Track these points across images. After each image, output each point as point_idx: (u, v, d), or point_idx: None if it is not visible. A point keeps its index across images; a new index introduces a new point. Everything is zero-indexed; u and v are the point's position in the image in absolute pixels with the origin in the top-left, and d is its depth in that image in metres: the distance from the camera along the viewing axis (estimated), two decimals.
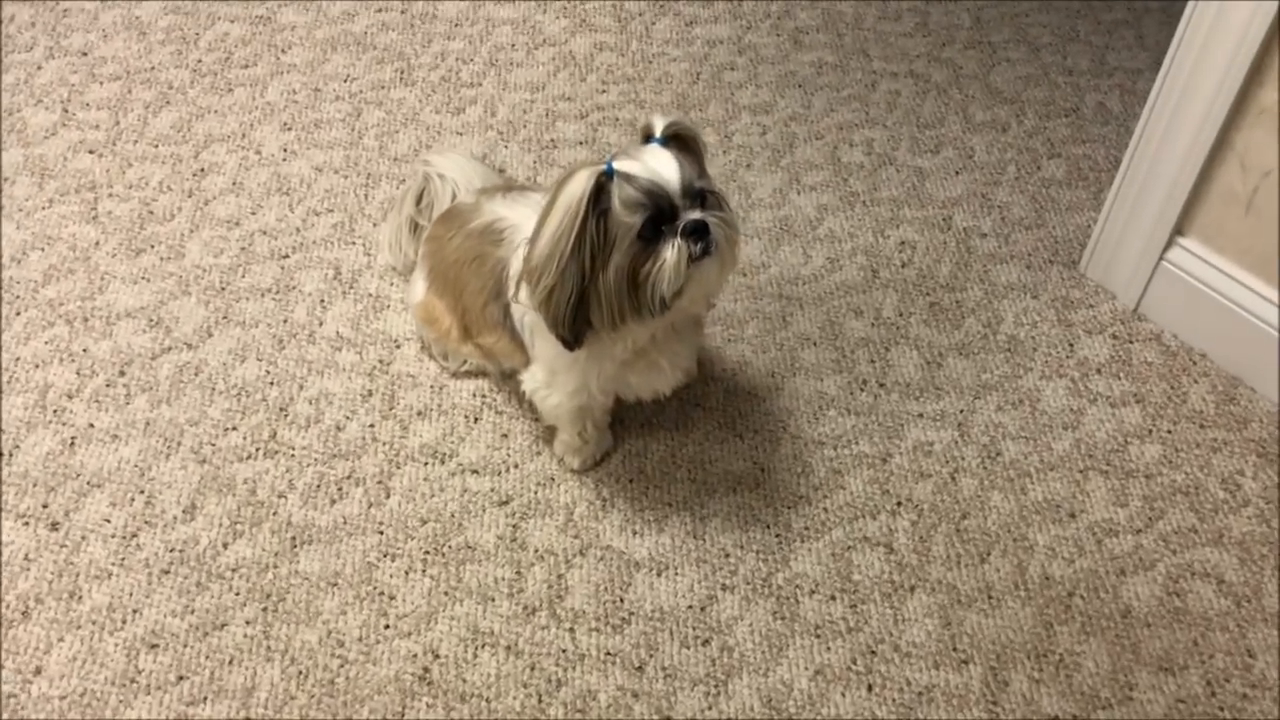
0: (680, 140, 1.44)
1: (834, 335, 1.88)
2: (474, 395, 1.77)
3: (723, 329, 1.87)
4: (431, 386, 1.78)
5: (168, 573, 1.55)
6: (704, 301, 1.49)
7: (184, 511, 1.62)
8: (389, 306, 1.89)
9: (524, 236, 1.49)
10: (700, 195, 1.41)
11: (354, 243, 1.98)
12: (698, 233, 1.38)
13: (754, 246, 2.01)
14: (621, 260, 1.38)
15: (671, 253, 1.37)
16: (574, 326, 1.42)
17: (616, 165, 1.39)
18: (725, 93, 2.29)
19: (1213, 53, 1.66)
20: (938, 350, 1.86)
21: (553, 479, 1.67)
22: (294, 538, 1.59)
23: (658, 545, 1.60)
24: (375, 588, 1.55)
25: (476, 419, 1.74)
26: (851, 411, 1.77)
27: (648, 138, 1.46)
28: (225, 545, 1.58)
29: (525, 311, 1.53)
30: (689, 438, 1.73)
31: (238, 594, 1.54)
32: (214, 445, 1.69)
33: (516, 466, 1.69)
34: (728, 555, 1.60)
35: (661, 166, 1.39)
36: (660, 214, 1.37)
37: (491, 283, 1.61)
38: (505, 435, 1.72)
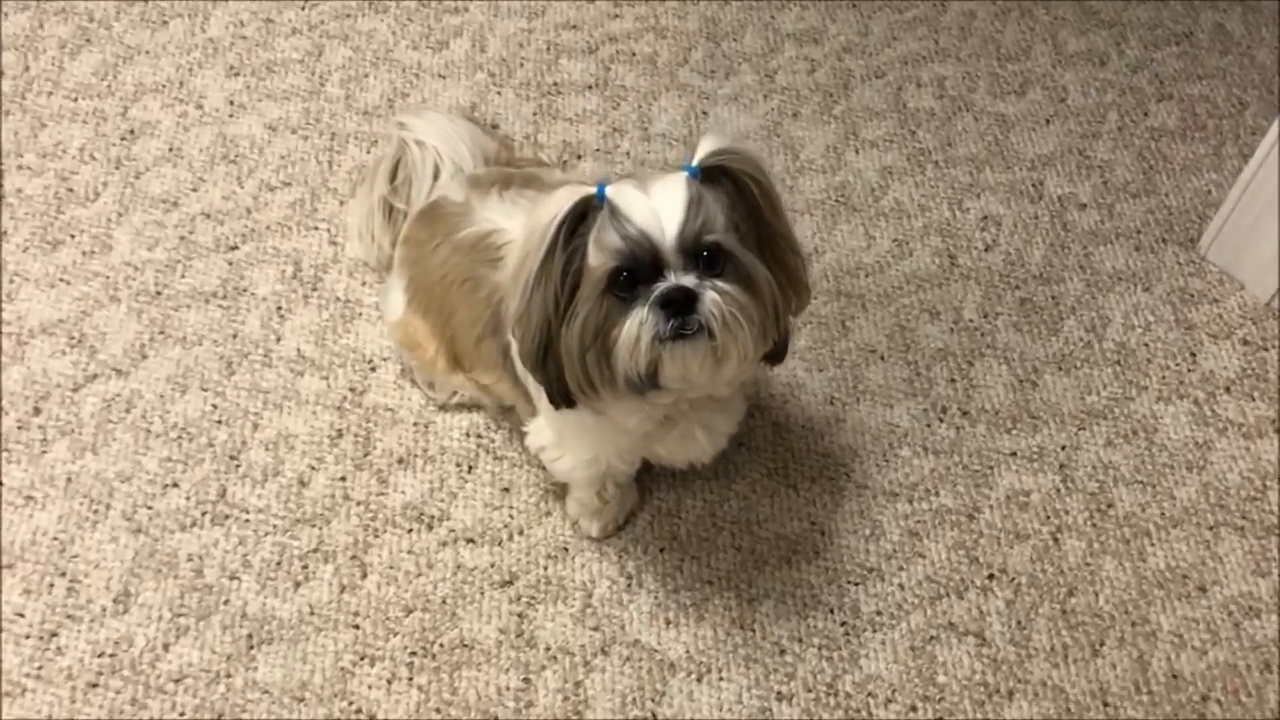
0: (730, 176, 1.08)
1: (905, 345, 1.54)
2: (467, 435, 1.45)
3: None
4: (415, 424, 1.45)
5: (96, 686, 1.26)
6: (714, 385, 1.14)
7: (115, 601, 1.31)
8: (360, 314, 1.55)
9: None
10: (709, 255, 1.06)
11: (316, 227, 1.62)
12: (675, 304, 1.04)
13: (805, 226, 1.65)
14: (587, 314, 1.06)
15: (631, 323, 1.04)
16: (546, 374, 1.12)
17: (610, 191, 1.05)
18: (764, 16, 1.89)
19: None
20: (1032, 364, 1.53)
21: (566, 549, 1.37)
22: (250, 635, 1.30)
23: (697, 639, 1.31)
24: (351, 703, 1.26)
25: (471, 467, 1.42)
26: (929, 450, 1.45)
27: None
28: (166, 646, 1.29)
29: None
30: (731, 490, 1.42)
31: (182, 714, 1.25)
32: (150, 508, 1.38)
33: (521, 533, 1.38)
34: (783, 652, 1.30)
35: (663, 205, 1.05)
36: (638, 268, 1.05)
37: (488, 314, 1.28)
38: (506, 489, 1.41)
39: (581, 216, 1.06)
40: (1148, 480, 1.44)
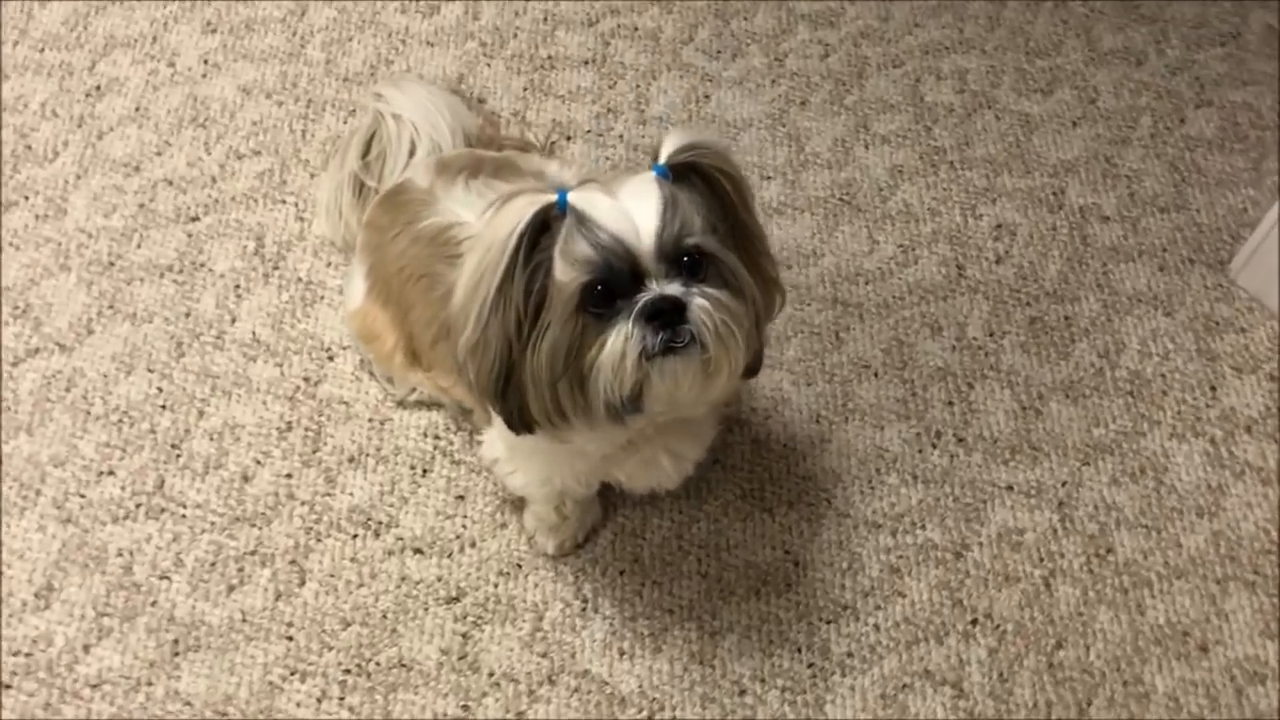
0: (701, 174, 0.98)
1: (902, 362, 1.43)
2: (424, 434, 1.36)
3: None
4: (370, 420, 1.36)
5: (9, 688, 1.19)
6: (697, 404, 1.05)
7: (36, 595, 1.24)
8: (323, 298, 1.45)
9: None
10: (691, 260, 0.96)
11: (284, 200, 1.53)
12: (662, 316, 0.94)
13: (804, 225, 1.54)
14: (559, 336, 0.96)
15: (615, 339, 0.94)
16: (506, 403, 1.01)
17: (573, 198, 0.96)
18: None
19: None
20: (1037, 389, 1.42)
21: (519, 566, 1.28)
22: (177, 641, 1.22)
23: (651, 673, 1.22)
24: None
25: (425, 471, 1.33)
26: (919, 479, 1.35)
27: (656, 160, 0.99)
28: (87, 648, 1.21)
29: None
30: (702, 510, 1.32)
31: None
32: (83, 497, 1.30)
33: (473, 545, 1.29)
34: (743, 692, 1.21)
35: (637, 208, 0.95)
36: (614, 280, 0.94)
37: (444, 315, 1.18)
38: (461, 497, 1.32)
39: (542, 228, 0.96)
40: (1153, 525, 1.33)
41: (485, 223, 0.99)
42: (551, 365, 0.96)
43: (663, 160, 0.99)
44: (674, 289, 0.95)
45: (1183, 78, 1.71)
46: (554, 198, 0.96)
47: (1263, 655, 1.25)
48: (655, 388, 0.96)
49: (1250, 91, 1.69)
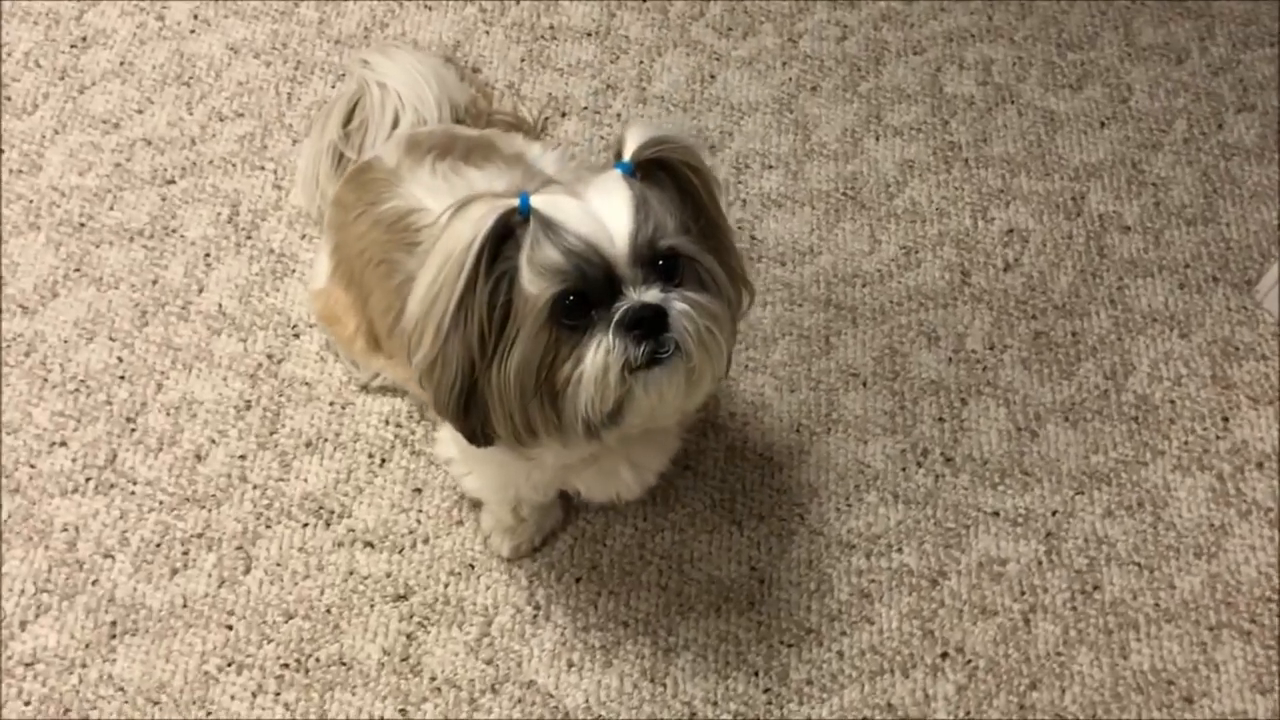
0: (668, 170, 0.92)
1: (893, 372, 1.36)
2: (385, 422, 1.31)
3: (741, 349, 1.36)
4: (331, 403, 1.31)
5: None
6: (676, 415, 0.99)
7: None
8: (294, 271, 1.40)
9: None
10: (667, 263, 0.90)
11: (263, 166, 1.47)
12: (644, 325, 0.88)
13: (803, 219, 1.46)
14: (529, 351, 0.89)
15: (595, 354, 0.88)
16: (468, 421, 0.95)
17: (537, 202, 0.89)
18: None
19: None
20: (1035, 409, 1.34)
21: (472, 567, 1.23)
22: (115, 623, 1.18)
23: (600, 688, 1.17)
24: (209, 713, 1.14)
25: (384, 460, 1.28)
26: (900, 499, 1.28)
27: (618, 158, 0.93)
28: (23, 625, 1.18)
29: None
30: (667, 519, 1.26)
31: (28, 703, 1.14)
32: (33, 467, 1.26)
33: (426, 541, 1.24)
34: (693, 715, 1.16)
35: (607, 211, 0.89)
36: (589, 288, 0.88)
37: (400, 305, 1.12)
38: (419, 490, 1.27)
39: (503, 236, 0.90)
40: (1146, 563, 1.25)
41: (440, 230, 0.92)
42: (521, 382, 0.90)
43: (627, 157, 0.92)
44: (653, 295, 0.89)
45: (1225, 79, 1.60)
46: (515, 202, 0.90)
47: (1252, 711, 1.17)
48: (638, 401, 0.90)
49: None
